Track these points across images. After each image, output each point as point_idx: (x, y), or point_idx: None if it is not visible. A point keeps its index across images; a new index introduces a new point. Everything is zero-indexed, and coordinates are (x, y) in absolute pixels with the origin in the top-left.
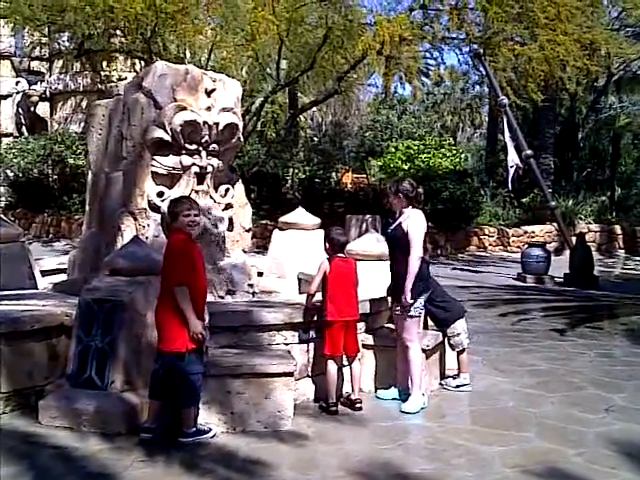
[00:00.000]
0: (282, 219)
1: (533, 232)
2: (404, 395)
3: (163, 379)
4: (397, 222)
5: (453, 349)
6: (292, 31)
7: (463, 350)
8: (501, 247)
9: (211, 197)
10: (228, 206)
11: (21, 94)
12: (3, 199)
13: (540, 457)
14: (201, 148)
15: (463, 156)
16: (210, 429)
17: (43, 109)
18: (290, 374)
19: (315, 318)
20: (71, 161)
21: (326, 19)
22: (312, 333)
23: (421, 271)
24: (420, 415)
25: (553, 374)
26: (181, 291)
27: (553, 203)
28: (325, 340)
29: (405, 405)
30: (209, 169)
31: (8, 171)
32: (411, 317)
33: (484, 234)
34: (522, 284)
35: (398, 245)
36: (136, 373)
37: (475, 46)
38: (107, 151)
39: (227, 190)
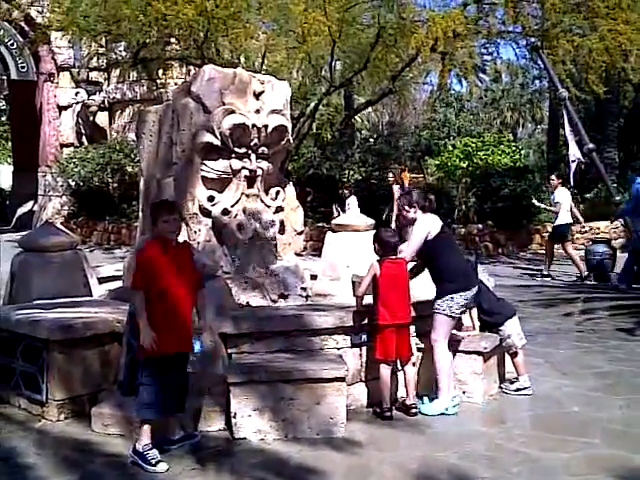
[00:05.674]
0: (335, 221)
1: (598, 228)
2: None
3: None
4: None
5: (507, 352)
6: (344, 32)
7: (516, 352)
8: None
9: (261, 200)
10: (279, 209)
11: (80, 104)
12: (66, 208)
13: (606, 464)
14: (250, 151)
15: (524, 152)
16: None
17: (102, 119)
18: (342, 379)
19: (366, 321)
20: (130, 169)
21: (378, 18)
22: (364, 337)
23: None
24: (479, 420)
25: (620, 376)
26: (136, 296)
27: (618, 198)
28: (376, 344)
29: (424, 406)
30: (259, 172)
31: (70, 180)
32: (439, 315)
33: (547, 231)
34: (587, 282)
35: (418, 256)
36: None
37: (532, 39)
38: (158, 157)
39: (277, 193)
